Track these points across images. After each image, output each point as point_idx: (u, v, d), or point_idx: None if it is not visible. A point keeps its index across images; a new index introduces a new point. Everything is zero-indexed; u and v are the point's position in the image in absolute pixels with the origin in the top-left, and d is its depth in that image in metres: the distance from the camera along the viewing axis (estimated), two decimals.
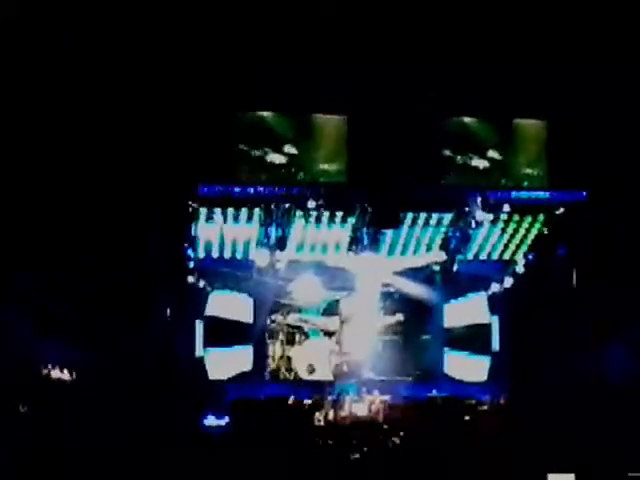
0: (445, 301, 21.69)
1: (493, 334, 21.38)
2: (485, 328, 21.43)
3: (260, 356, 21.16)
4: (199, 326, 20.55)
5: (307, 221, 19.59)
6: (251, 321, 21.04)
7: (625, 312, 18.33)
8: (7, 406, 14.63)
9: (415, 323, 21.73)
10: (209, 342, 20.50)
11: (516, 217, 19.98)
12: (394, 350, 21.64)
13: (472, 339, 21.28)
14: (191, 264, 20.25)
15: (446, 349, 21.54)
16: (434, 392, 19.67)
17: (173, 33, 17.50)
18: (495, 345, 21.32)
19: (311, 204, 18.94)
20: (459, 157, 19.78)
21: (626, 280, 18.21)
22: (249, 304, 21.06)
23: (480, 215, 19.37)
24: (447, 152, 19.72)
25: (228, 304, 21.02)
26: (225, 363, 20.66)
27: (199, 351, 20.43)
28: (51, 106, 17.63)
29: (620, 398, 14.39)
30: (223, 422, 17.39)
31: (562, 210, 19.58)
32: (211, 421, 17.88)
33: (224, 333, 20.61)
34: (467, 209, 19.59)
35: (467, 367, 21.35)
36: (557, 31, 17.67)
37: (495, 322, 21.43)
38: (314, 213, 19.31)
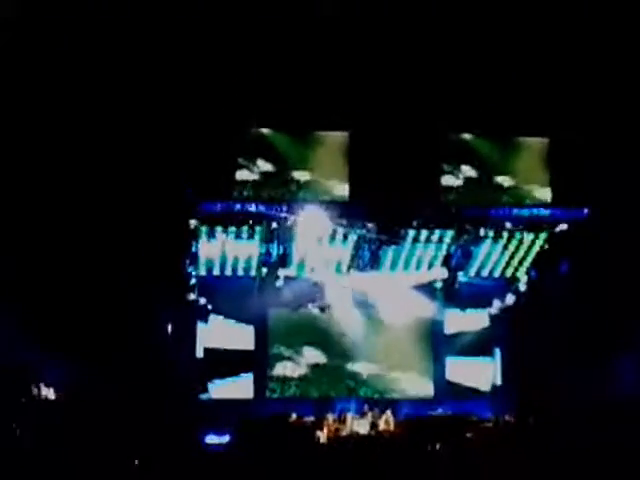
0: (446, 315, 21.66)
1: (495, 354, 21.38)
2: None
3: (261, 377, 21.00)
4: (200, 345, 20.51)
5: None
6: (252, 348, 20.91)
7: (627, 327, 18.27)
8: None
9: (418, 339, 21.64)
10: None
11: (518, 234, 19.96)
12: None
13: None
14: (192, 281, 20.23)
15: (448, 357, 21.51)
16: (437, 410, 19.63)
17: (173, 51, 17.49)
18: (497, 361, 21.31)
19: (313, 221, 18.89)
20: (461, 174, 19.81)
21: (628, 296, 18.14)
22: (250, 331, 20.92)
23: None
24: (449, 169, 19.76)
25: (228, 332, 20.81)
26: (227, 391, 20.57)
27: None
28: (49, 122, 17.56)
29: (626, 413, 14.28)
30: (224, 440, 17.29)
31: (564, 227, 19.58)
32: (212, 439, 17.79)
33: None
34: (468, 226, 19.61)
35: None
36: (559, 48, 17.68)
37: (498, 351, 21.44)
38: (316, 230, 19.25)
